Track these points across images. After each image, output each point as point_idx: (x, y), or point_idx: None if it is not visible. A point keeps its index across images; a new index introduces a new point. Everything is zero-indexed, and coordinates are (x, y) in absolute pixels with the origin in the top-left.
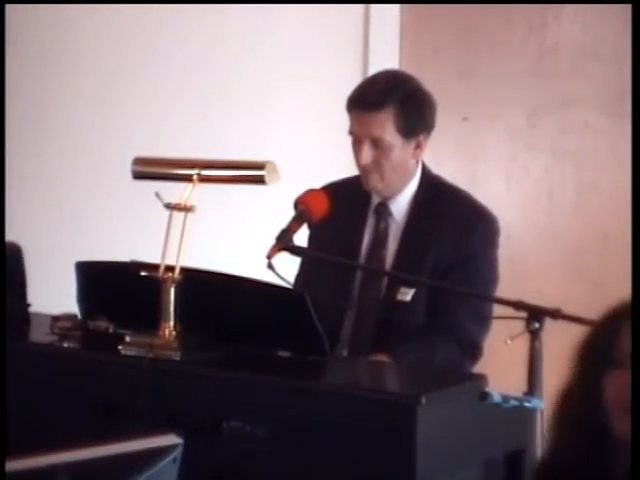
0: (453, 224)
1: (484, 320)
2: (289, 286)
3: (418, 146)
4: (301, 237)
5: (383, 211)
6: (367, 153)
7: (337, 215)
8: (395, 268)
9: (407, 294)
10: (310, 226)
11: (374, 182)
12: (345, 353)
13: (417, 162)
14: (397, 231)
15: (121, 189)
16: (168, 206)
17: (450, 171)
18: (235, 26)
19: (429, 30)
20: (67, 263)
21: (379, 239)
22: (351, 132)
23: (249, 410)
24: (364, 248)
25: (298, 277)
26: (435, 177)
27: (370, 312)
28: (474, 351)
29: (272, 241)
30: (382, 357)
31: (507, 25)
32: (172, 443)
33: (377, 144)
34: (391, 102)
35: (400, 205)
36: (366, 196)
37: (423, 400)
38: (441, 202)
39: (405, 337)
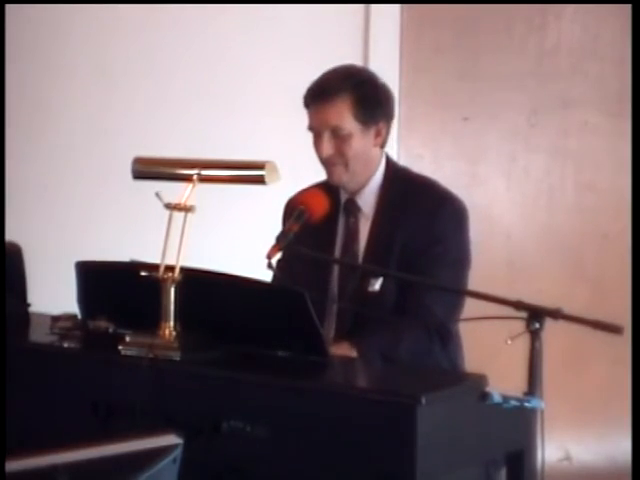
0: (418, 211)
1: (453, 303)
2: (289, 286)
3: (378, 134)
4: None
5: (352, 207)
6: (328, 144)
7: None
8: (366, 260)
9: (375, 284)
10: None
11: (339, 173)
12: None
13: (381, 153)
14: (366, 224)
15: (121, 189)
16: (168, 206)
17: (450, 171)
18: (235, 26)
19: (429, 30)
20: (67, 263)
21: (350, 235)
22: (310, 127)
23: (249, 410)
24: (338, 245)
25: (274, 275)
26: (400, 168)
27: (349, 308)
28: (444, 335)
29: (272, 241)
30: (345, 347)
31: (507, 25)
32: (172, 443)
33: (337, 133)
34: (346, 89)
35: (367, 199)
36: (335, 196)
37: (423, 400)
38: (406, 192)
39: (373, 327)
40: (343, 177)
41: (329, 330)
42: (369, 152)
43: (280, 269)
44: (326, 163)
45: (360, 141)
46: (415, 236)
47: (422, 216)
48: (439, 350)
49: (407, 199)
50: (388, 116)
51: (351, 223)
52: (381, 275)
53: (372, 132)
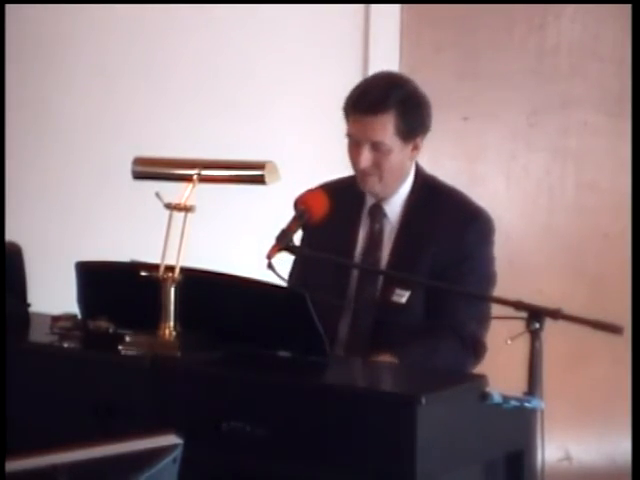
0: (448, 224)
1: (484, 318)
2: (289, 286)
3: (415, 148)
4: (299, 236)
5: (377, 212)
6: (367, 156)
7: (331, 216)
8: (390, 269)
9: (402, 296)
10: (304, 227)
11: (372, 184)
12: (342, 353)
13: (412, 162)
14: (392, 232)
15: (121, 189)
16: (168, 206)
17: (450, 171)
18: (235, 26)
19: (429, 30)
20: (67, 263)
21: (374, 241)
22: (349, 135)
23: (249, 410)
24: (358, 249)
25: (291, 277)
26: (429, 177)
27: (366, 312)
28: (478, 349)
29: (272, 241)
30: (387, 358)
31: (507, 25)
32: (172, 443)
33: (377, 147)
34: (392, 105)
35: (394, 206)
36: (360, 197)
37: (423, 400)
38: (435, 202)
39: (405, 338)
40: (376, 187)
41: (343, 330)
42: (404, 165)
43: (294, 281)
44: (361, 173)
45: (398, 155)
46: (444, 250)
47: (452, 230)
48: (473, 364)
49: (436, 210)
50: (426, 130)
51: (376, 229)
52: (405, 283)
53: (410, 147)
